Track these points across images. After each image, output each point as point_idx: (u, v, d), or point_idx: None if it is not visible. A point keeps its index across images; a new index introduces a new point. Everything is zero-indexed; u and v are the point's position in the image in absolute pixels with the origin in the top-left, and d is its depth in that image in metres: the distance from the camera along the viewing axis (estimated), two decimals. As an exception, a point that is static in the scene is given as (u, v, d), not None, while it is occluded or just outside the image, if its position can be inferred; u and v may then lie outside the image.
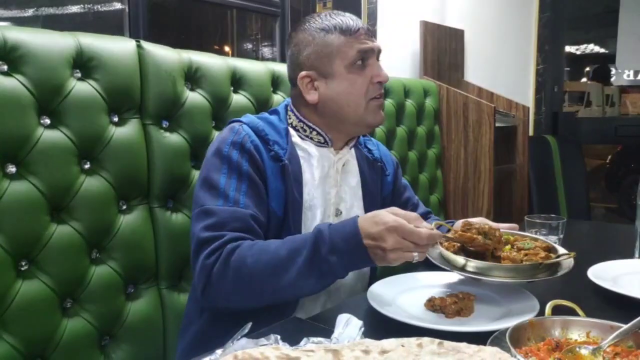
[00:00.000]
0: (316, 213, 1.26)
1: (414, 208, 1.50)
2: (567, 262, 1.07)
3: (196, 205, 1.16)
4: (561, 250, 1.10)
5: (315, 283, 1.05)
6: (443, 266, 1.06)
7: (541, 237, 1.18)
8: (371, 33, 1.28)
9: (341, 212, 1.30)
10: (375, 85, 1.26)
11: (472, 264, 1.03)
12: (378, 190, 1.42)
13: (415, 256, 1.00)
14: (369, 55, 1.25)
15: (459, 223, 1.24)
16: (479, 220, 1.23)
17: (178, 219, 1.38)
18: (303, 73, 1.26)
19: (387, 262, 1.01)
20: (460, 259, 1.04)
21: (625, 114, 4.49)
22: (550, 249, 1.10)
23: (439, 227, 1.11)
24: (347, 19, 1.25)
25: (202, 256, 1.09)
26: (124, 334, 1.26)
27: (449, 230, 1.12)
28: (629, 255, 1.35)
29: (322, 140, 1.29)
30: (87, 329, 1.19)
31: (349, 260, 1.03)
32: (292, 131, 1.29)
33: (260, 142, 1.21)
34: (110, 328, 1.24)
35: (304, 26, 1.27)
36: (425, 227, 1.00)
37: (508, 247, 1.12)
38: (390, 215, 1.01)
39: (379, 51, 1.29)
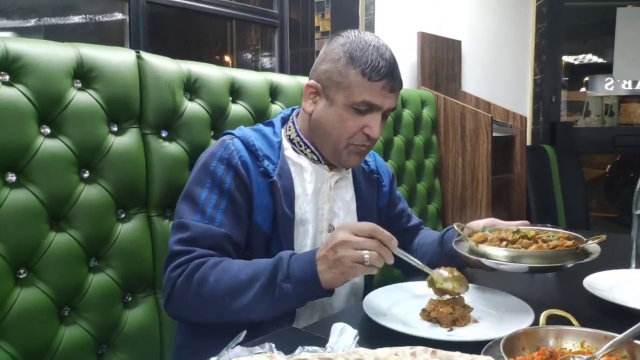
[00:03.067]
0: (308, 228, 1.26)
1: (407, 219, 1.51)
2: (595, 247, 1.08)
3: (176, 216, 1.20)
4: (584, 239, 1.10)
5: (269, 308, 1.06)
6: (475, 258, 1.07)
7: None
8: (394, 88, 1.22)
9: (334, 228, 1.29)
10: (363, 135, 1.23)
11: (505, 253, 1.04)
12: (374, 201, 1.42)
13: (366, 256, 0.99)
14: (374, 109, 1.22)
15: (471, 224, 1.24)
16: (488, 221, 1.24)
17: (176, 228, 1.38)
18: (311, 82, 1.26)
19: (336, 268, 1.00)
20: (493, 249, 1.05)
21: (624, 123, 4.50)
22: (573, 238, 1.10)
23: (461, 228, 1.13)
24: (380, 62, 1.19)
25: (169, 268, 1.13)
26: (121, 343, 1.26)
27: (463, 229, 1.14)
28: (625, 265, 1.35)
29: (316, 159, 1.30)
30: (84, 338, 1.19)
31: (302, 289, 1.04)
32: (287, 144, 1.30)
33: (250, 158, 1.22)
34: (107, 336, 1.25)
35: (344, 39, 1.23)
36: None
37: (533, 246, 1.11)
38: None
39: (390, 110, 1.25)
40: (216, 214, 1.16)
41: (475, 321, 1.03)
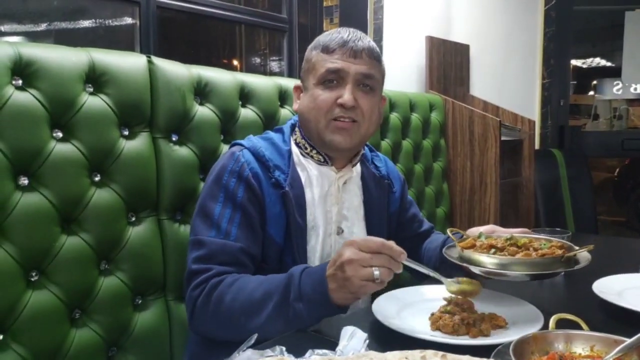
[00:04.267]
0: (319, 232, 1.26)
1: (419, 224, 1.51)
2: (585, 256, 1.07)
3: (192, 232, 1.21)
4: (576, 248, 1.10)
5: (283, 328, 1.04)
6: (464, 264, 1.06)
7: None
8: (357, 53, 1.22)
9: (343, 231, 1.30)
10: (338, 108, 1.22)
11: (493, 260, 1.04)
12: (384, 207, 1.42)
13: (376, 273, 0.97)
14: (341, 76, 1.22)
15: (471, 230, 1.24)
16: (488, 228, 1.24)
17: (186, 231, 1.39)
18: (296, 84, 1.33)
19: (352, 287, 0.98)
20: (481, 256, 1.05)
21: (633, 127, 4.47)
22: (566, 248, 1.10)
23: (454, 234, 1.13)
24: (337, 36, 1.24)
25: (190, 287, 1.14)
26: (131, 345, 1.27)
27: (462, 236, 1.13)
28: (635, 269, 1.35)
29: (322, 160, 1.30)
30: (95, 340, 1.20)
31: (314, 308, 1.02)
32: (295, 149, 1.30)
33: (261, 169, 1.22)
34: (117, 339, 1.25)
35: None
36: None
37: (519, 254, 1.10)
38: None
39: (359, 74, 1.23)
40: (231, 228, 1.17)
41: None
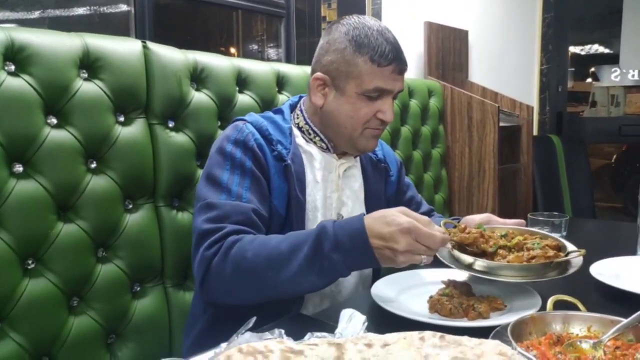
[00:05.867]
0: (317, 215, 1.26)
1: (417, 206, 1.50)
2: (577, 260, 1.07)
3: (199, 200, 1.17)
4: (571, 247, 1.09)
5: (316, 280, 1.03)
6: (452, 265, 1.05)
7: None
8: (401, 70, 1.23)
9: (342, 217, 1.30)
10: (377, 120, 1.23)
11: (481, 263, 1.03)
12: (382, 191, 1.42)
13: (424, 259, 0.99)
14: (385, 93, 1.22)
15: (466, 219, 1.24)
16: (484, 217, 1.24)
17: (184, 217, 1.39)
18: (318, 74, 1.25)
19: (394, 263, 0.99)
20: (469, 258, 1.04)
21: (631, 113, 4.47)
22: (560, 247, 1.09)
23: (446, 225, 1.12)
24: (386, 46, 1.19)
25: (202, 247, 1.08)
26: (130, 332, 1.27)
27: (455, 227, 1.12)
28: (631, 252, 1.35)
29: (325, 147, 1.30)
30: (93, 327, 1.20)
31: (353, 259, 1.01)
32: (296, 131, 1.30)
33: (264, 141, 1.21)
34: (116, 326, 1.25)
35: (346, 27, 1.22)
36: (439, 231, 0.99)
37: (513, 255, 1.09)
38: (402, 216, 0.99)
39: (399, 91, 1.26)
40: (242, 191, 1.14)
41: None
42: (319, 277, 1.03)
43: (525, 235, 1.14)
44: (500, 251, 1.06)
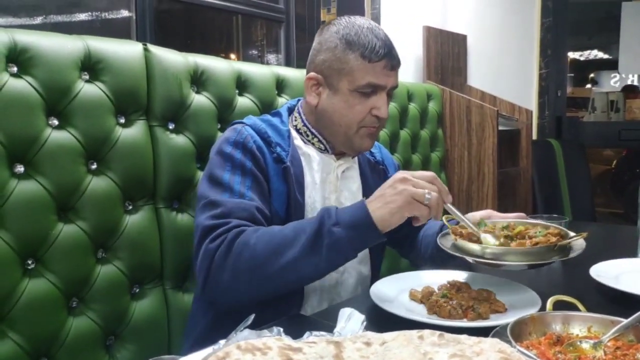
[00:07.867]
0: None
1: None
2: (579, 243, 1.07)
3: (200, 199, 1.16)
4: (572, 234, 1.09)
5: (320, 260, 1.03)
6: (456, 254, 1.06)
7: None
8: (394, 66, 1.23)
9: None
10: (372, 117, 1.24)
11: (487, 250, 1.03)
12: None
13: (427, 196, 0.99)
14: (378, 89, 1.23)
15: (469, 215, 1.24)
16: (484, 213, 1.24)
17: (183, 219, 1.39)
18: (312, 74, 1.26)
19: (400, 215, 1.00)
20: (473, 246, 1.04)
21: (631, 119, 4.48)
22: (561, 235, 1.09)
23: (449, 221, 1.12)
24: (377, 42, 1.20)
25: (205, 241, 1.08)
26: (129, 334, 1.27)
27: (457, 223, 1.13)
28: (631, 255, 1.35)
29: (323, 148, 1.30)
30: (92, 329, 1.20)
31: (355, 232, 1.02)
32: (294, 134, 1.30)
33: (263, 143, 1.22)
34: (115, 328, 1.25)
35: (336, 27, 1.24)
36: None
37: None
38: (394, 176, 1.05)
39: (393, 87, 1.26)
40: (244, 190, 1.15)
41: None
42: (324, 257, 1.03)
43: (527, 226, 1.15)
44: (503, 240, 1.07)
